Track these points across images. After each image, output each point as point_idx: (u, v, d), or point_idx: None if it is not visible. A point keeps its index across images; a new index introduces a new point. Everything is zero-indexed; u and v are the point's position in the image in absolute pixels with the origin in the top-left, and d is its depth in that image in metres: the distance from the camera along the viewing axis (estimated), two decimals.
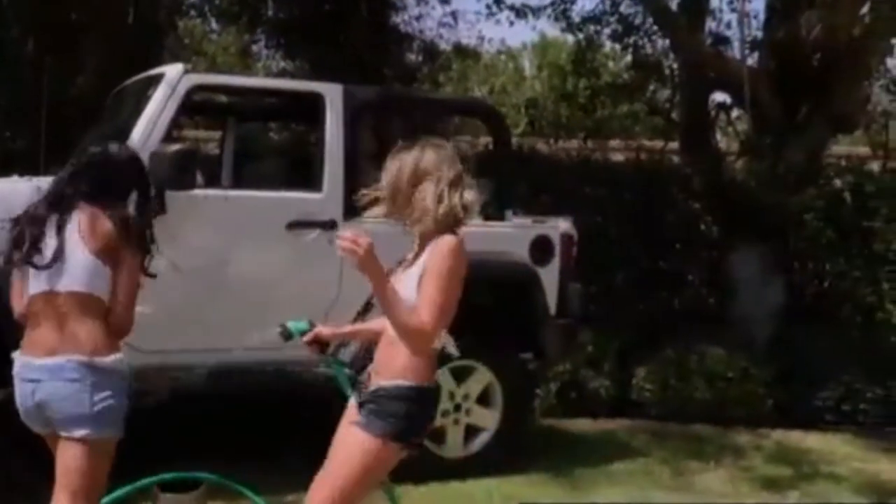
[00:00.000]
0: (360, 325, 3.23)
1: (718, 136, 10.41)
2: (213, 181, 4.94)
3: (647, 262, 7.54)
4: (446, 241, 2.56)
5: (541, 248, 4.97)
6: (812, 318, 7.20)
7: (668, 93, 10.24)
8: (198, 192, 4.23)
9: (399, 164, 2.62)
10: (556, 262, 5.04)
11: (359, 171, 4.63)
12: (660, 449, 5.64)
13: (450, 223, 2.60)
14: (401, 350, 2.60)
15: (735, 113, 9.51)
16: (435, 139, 2.71)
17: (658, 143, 10.06)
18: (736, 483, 5.07)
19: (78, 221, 2.71)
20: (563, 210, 5.68)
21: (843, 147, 10.20)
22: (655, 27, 8.93)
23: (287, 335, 2.97)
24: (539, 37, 16.77)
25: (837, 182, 7.44)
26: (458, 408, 4.83)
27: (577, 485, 4.83)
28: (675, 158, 8.69)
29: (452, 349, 2.75)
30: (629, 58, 10.08)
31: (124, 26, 7.68)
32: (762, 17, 8.42)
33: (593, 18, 9.05)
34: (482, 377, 4.87)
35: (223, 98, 5.23)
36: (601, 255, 7.07)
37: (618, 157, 8.66)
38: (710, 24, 8.95)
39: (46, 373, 2.65)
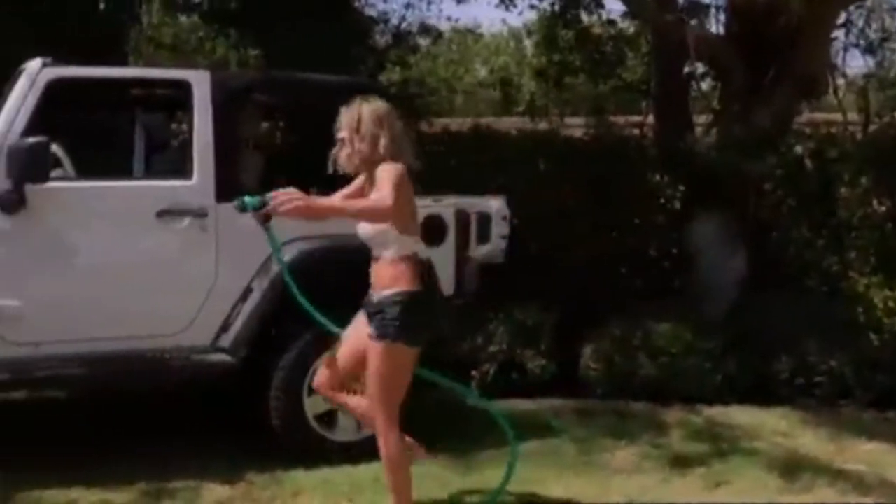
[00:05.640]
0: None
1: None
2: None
3: (610, 238, 7.38)
4: None
5: (432, 228, 4.87)
6: (775, 289, 6.97)
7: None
8: (59, 183, 4.28)
9: None
10: (450, 242, 4.96)
11: (233, 157, 4.63)
12: (581, 428, 5.52)
13: None
14: (384, 265, 3.36)
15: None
16: None
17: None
18: (642, 460, 4.94)
19: None
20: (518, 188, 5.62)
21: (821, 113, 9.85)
22: None
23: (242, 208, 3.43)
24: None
25: (798, 148, 7.17)
26: None
27: (471, 465, 4.77)
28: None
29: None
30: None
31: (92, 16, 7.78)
32: None
33: None
34: None
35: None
36: (559, 232, 6.99)
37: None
38: None
39: None
